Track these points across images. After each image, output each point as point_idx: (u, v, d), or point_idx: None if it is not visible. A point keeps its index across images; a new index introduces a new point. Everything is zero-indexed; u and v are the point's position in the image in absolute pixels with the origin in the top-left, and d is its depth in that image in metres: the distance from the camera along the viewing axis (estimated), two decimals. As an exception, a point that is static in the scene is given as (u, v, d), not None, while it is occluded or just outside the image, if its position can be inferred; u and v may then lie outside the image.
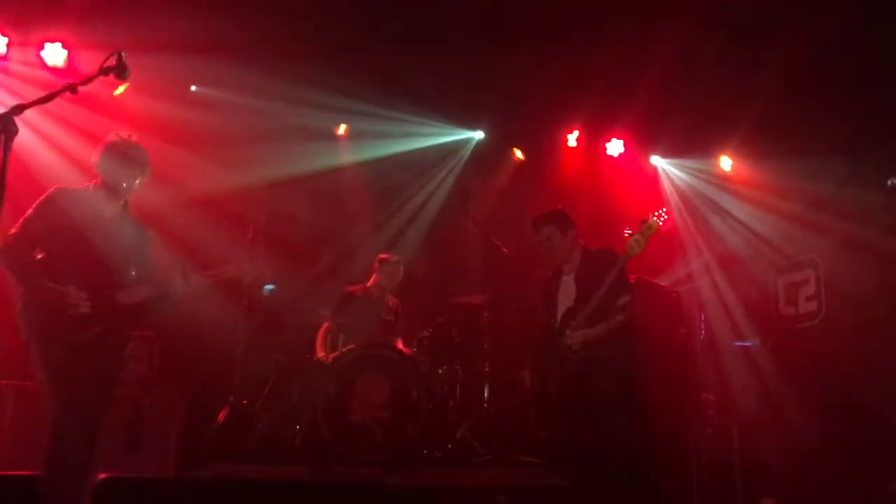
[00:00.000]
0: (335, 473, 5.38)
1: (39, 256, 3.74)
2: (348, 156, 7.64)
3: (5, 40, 6.30)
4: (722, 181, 8.22)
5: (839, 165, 6.55)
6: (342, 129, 7.72)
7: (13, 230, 3.69)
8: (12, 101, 5.89)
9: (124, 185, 3.97)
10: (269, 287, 6.91)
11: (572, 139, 8.23)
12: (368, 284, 6.75)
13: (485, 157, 8.21)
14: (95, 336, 3.64)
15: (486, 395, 6.52)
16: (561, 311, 4.63)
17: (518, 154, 8.35)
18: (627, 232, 4.44)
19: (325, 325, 6.49)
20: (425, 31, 6.60)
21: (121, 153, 3.96)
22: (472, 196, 6.55)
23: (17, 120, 2.87)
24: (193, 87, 6.99)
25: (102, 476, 2.89)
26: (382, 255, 6.88)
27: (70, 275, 3.68)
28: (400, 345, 6.46)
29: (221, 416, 6.07)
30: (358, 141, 7.71)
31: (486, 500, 5.03)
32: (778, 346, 6.58)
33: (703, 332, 6.56)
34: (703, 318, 6.63)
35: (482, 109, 7.87)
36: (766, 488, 5.77)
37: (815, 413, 5.87)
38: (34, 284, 3.65)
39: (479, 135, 8.17)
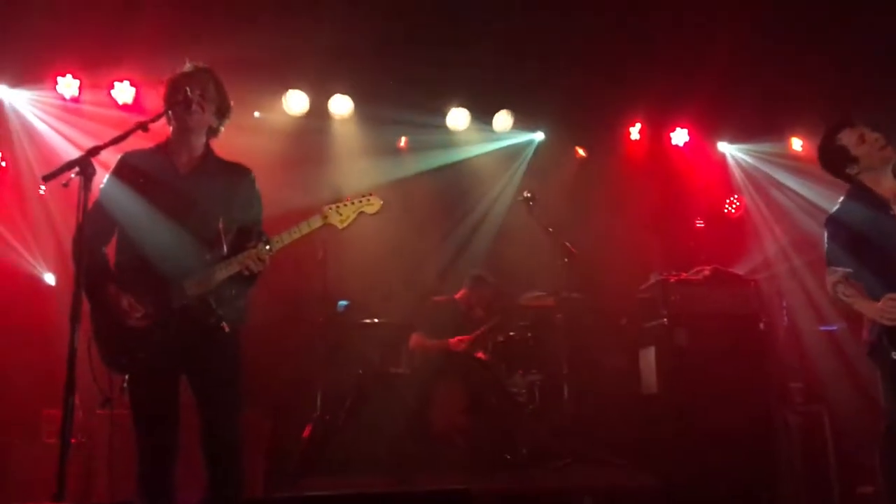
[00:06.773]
0: (421, 483, 5.41)
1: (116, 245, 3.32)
2: (411, 167, 7.67)
3: (77, 83, 6.58)
4: (793, 163, 7.98)
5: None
6: (403, 142, 7.77)
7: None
8: (87, 142, 6.21)
9: (190, 125, 3.38)
10: (343, 303, 7.01)
11: (635, 132, 8.09)
12: (456, 297, 6.81)
13: (547, 158, 8.15)
14: (156, 350, 3.18)
15: (565, 396, 6.48)
16: None
17: (580, 152, 8.26)
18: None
19: (414, 337, 6.54)
20: (480, 36, 6.59)
21: (172, 88, 3.40)
22: (535, 198, 6.46)
23: (94, 161, 2.98)
24: (257, 113, 7.17)
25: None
26: (476, 273, 6.90)
27: (135, 269, 3.23)
28: (480, 354, 6.46)
29: (306, 432, 6.18)
30: (420, 152, 7.75)
31: (573, 502, 4.99)
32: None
33: (785, 319, 6.38)
34: (784, 305, 6.45)
35: (542, 110, 7.83)
36: (862, 476, 5.56)
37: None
38: (92, 293, 3.15)
39: (539, 136, 8.13)
